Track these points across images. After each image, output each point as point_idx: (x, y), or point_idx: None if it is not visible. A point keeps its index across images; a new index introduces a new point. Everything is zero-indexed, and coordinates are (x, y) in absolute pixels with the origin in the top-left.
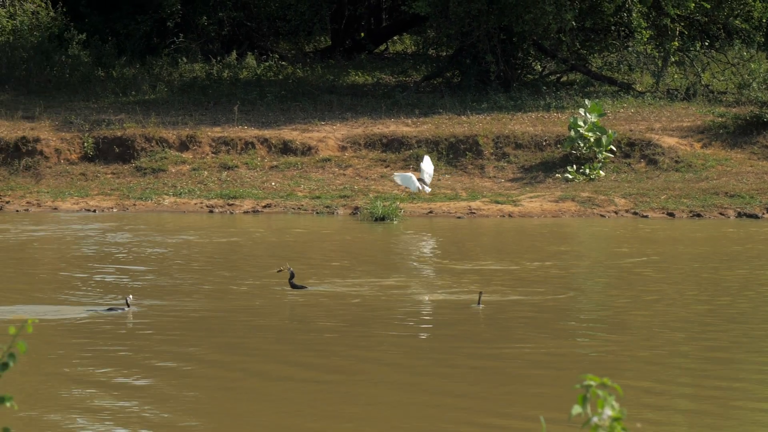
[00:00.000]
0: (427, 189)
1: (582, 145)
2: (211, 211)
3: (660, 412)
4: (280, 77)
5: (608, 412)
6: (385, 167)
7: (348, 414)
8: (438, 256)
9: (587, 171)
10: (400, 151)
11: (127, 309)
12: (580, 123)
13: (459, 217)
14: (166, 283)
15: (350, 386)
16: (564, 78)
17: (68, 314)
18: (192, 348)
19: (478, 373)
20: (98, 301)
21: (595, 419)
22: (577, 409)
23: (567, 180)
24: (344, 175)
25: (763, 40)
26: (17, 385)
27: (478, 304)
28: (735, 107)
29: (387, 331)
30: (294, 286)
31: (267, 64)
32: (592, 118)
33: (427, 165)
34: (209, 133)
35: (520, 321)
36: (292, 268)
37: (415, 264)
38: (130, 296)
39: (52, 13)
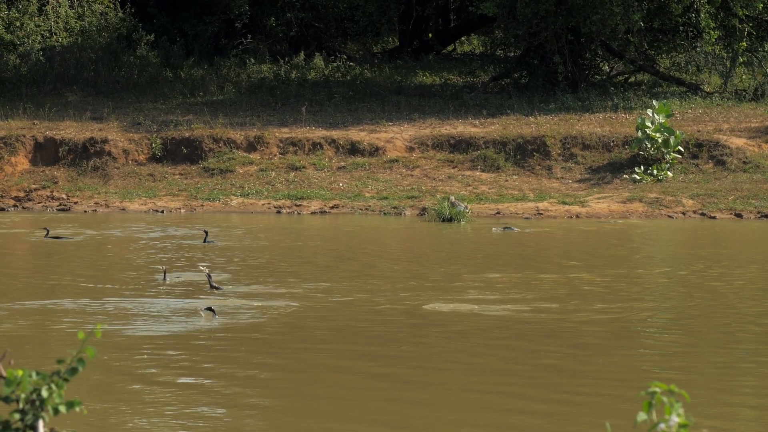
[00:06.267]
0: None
1: (650, 145)
2: (278, 212)
3: (726, 419)
4: (348, 78)
5: (675, 419)
6: (453, 168)
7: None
8: (502, 260)
9: (655, 172)
10: (468, 152)
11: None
12: (648, 124)
13: (527, 218)
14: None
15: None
16: (632, 78)
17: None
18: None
19: (543, 379)
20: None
21: (662, 426)
22: (642, 416)
23: (635, 181)
24: (412, 175)
25: None
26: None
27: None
28: None
29: (446, 341)
30: (213, 287)
31: (335, 64)
32: (660, 118)
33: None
34: (277, 134)
35: (587, 329)
36: (208, 271)
37: (475, 269)
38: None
39: (120, 14)
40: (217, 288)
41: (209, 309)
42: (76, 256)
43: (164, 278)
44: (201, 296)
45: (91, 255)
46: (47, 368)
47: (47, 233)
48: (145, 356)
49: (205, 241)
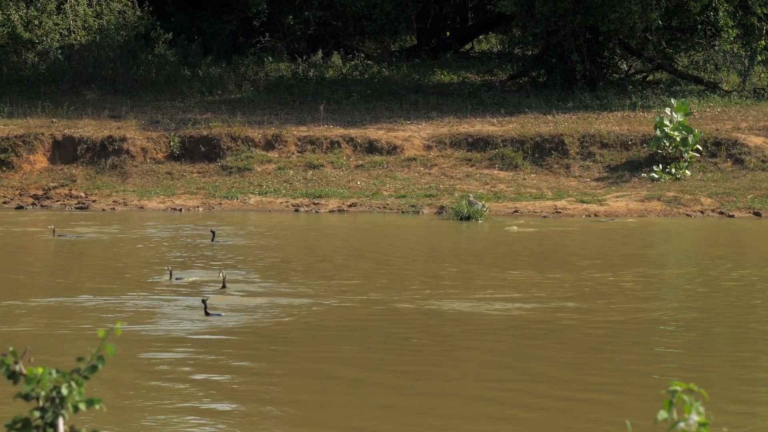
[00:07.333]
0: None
1: (668, 144)
2: (296, 210)
3: (746, 418)
4: (366, 76)
5: (695, 417)
6: (471, 166)
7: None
8: (518, 259)
9: (673, 170)
10: (486, 151)
11: None
12: (666, 122)
13: (544, 217)
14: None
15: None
16: (650, 77)
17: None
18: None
19: (558, 377)
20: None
21: (682, 424)
22: (662, 415)
23: (653, 179)
24: (429, 174)
25: None
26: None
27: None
28: None
29: (463, 341)
30: (224, 287)
31: (353, 63)
32: (679, 117)
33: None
34: (295, 132)
35: (605, 329)
36: (224, 272)
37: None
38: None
39: (138, 13)
40: (224, 286)
41: (203, 302)
42: (88, 254)
43: (170, 278)
44: (209, 295)
45: (103, 253)
46: (58, 364)
47: (54, 232)
48: (153, 355)
49: (212, 240)
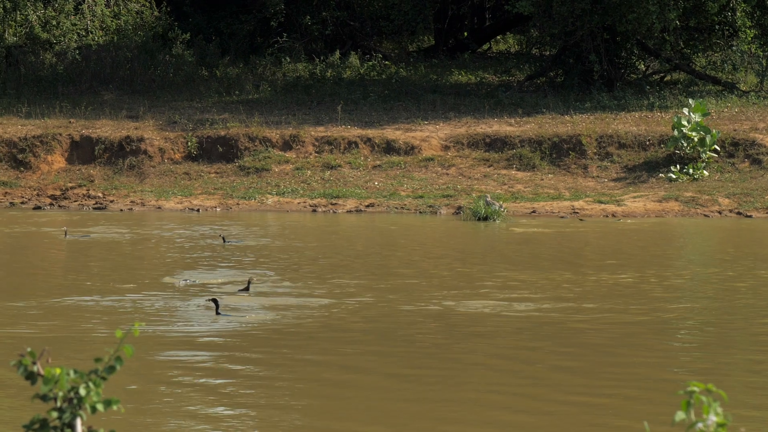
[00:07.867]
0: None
1: (686, 144)
2: (314, 211)
3: (760, 423)
4: (384, 77)
5: (713, 417)
6: (488, 167)
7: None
8: (534, 259)
9: (691, 171)
10: (503, 151)
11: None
12: (684, 123)
13: (562, 217)
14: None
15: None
16: (668, 77)
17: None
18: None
19: (572, 380)
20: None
21: (700, 425)
22: (680, 415)
23: (670, 180)
24: (447, 174)
25: None
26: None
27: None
28: None
29: (478, 342)
30: (241, 291)
31: (370, 63)
32: (696, 117)
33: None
34: (312, 133)
35: (619, 330)
36: (250, 277)
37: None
38: None
39: (156, 13)
40: (244, 290)
41: (213, 300)
42: (102, 255)
43: (181, 283)
44: (220, 295)
45: (117, 254)
46: (73, 365)
47: (66, 233)
48: (162, 357)
49: (224, 241)
